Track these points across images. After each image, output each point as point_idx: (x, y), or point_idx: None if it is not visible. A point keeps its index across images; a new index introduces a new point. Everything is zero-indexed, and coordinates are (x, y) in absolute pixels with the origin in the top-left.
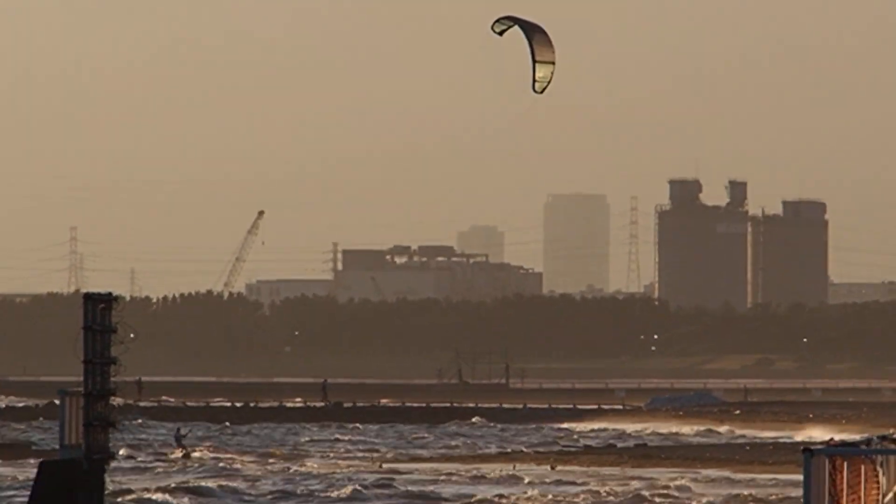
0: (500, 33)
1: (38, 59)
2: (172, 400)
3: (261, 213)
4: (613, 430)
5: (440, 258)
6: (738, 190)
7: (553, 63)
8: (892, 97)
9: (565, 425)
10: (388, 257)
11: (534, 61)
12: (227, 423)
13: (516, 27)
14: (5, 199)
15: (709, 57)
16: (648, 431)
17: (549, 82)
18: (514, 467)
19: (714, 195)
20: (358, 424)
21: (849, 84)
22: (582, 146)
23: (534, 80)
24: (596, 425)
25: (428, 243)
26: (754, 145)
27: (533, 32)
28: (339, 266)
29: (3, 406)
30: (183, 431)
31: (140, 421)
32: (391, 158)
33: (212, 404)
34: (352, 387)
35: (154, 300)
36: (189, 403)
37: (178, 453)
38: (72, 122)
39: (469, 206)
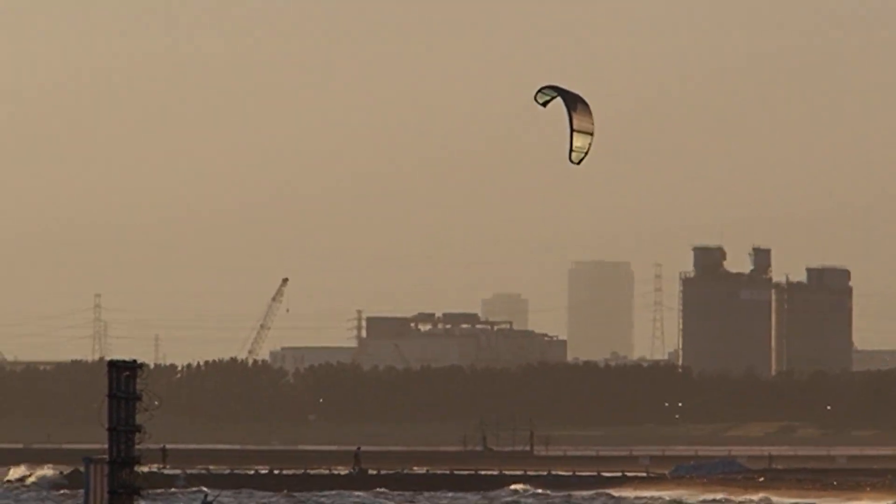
0: (544, 104)
1: (57, 124)
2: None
3: (285, 280)
4: (639, 497)
5: (464, 325)
6: (761, 257)
7: (591, 134)
8: None
9: (592, 492)
10: (412, 324)
11: (572, 130)
12: (286, 491)
13: (559, 98)
14: (30, 266)
15: (732, 123)
16: (674, 499)
17: (586, 153)
18: None
19: (738, 262)
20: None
21: (874, 151)
22: (605, 213)
23: (570, 150)
24: (621, 493)
25: (452, 310)
26: (778, 212)
27: (574, 102)
28: (364, 333)
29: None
30: (210, 498)
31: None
32: (415, 225)
33: (236, 471)
34: (376, 454)
35: (178, 367)
36: (213, 470)
37: None
38: (96, 191)
39: (493, 274)
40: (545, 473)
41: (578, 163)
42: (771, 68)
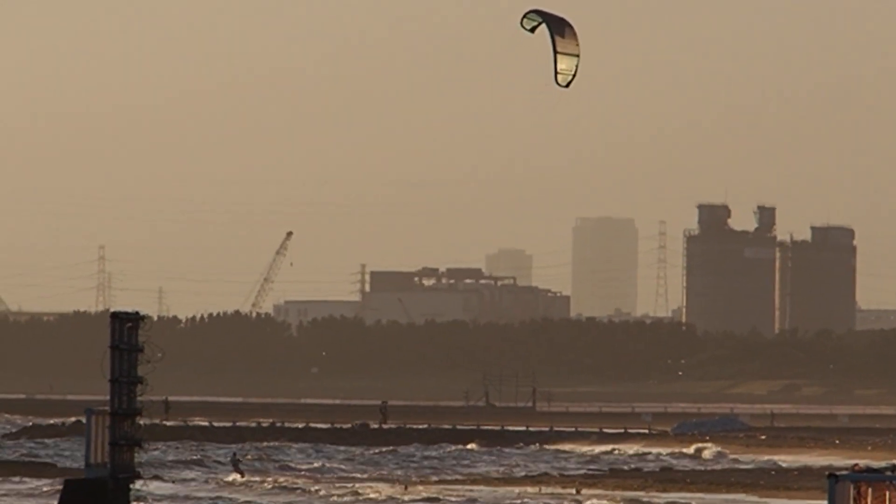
0: (532, 30)
1: (69, 81)
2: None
3: (289, 234)
4: (639, 453)
5: (468, 280)
6: (766, 215)
7: (577, 56)
8: None
9: (590, 448)
10: (416, 279)
11: (555, 52)
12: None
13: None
14: (35, 218)
15: (738, 82)
16: (675, 455)
17: (573, 75)
18: (540, 490)
19: (742, 220)
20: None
21: (878, 110)
22: (611, 170)
23: (556, 73)
24: (622, 449)
25: (456, 266)
26: (783, 170)
27: (560, 27)
28: (367, 287)
29: (31, 424)
30: (239, 456)
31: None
32: (420, 181)
33: (238, 424)
34: (377, 408)
35: (182, 320)
36: (216, 424)
37: (237, 477)
38: (103, 142)
39: (498, 229)
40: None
41: (566, 85)
42: (779, 23)
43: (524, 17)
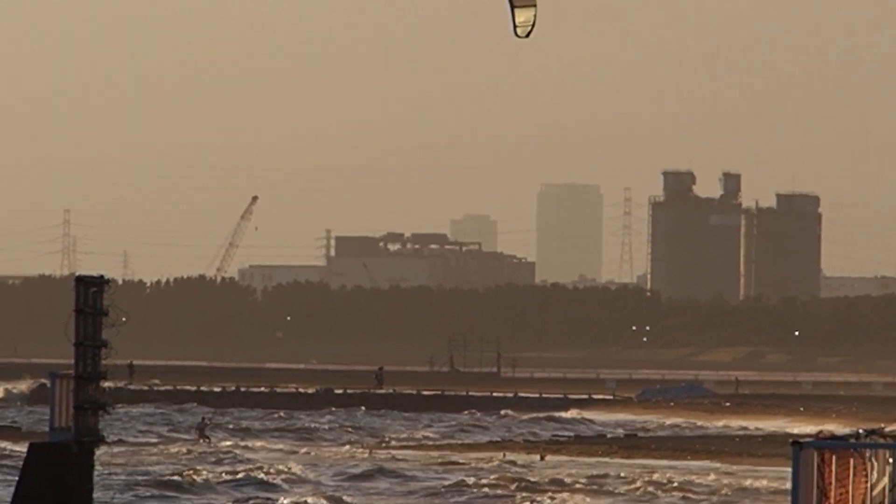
0: None
1: (35, 44)
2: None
3: (254, 198)
4: (604, 420)
5: (433, 246)
6: (731, 182)
7: (534, 6)
8: (888, 91)
9: (556, 414)
10: (381, 244)
11: (512, 6)
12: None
13: None
14: None
15: (703, 49)
16: (638, 422)
17: (532, 25)
18: (504, 455)
19: (707, 187)
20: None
21: (844, 78)
22: (576, 137)
23: (514, 25)
24: (586, 415)
25: (421, 231)
26: (748, 138)
27: None
28: (332, 252)
29: None
30: (206, 421)
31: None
32: (385, 146)
33: (202, 389)
34: (342, 373)
35: (147, 284)
36: (180, 387)
37: (201, 442)
38: (67, 105)
39: (462, 195)
40: (511, 395)
41: (526, 36)
42: None
43: None
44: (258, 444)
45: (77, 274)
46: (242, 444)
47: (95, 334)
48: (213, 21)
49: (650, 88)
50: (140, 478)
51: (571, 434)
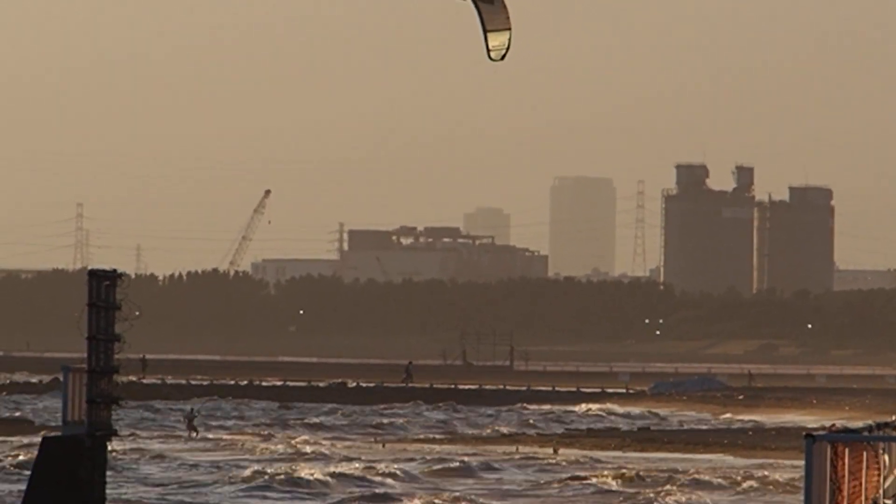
0: None
1: (48, 40)
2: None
3: (267, 192)
4: (617, 413)
5: (446, 239)
6: (744, 175)
7: (508, 29)
8: None
9: (568, 408)
10: (394, 238)
11: (484, 31)
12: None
13: None
14: (12, 175)
15: (717, 43)
16: (652, 415)
17: (507, 48)
18: (517, 449)
19: (720, 180)
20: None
21: (857, 71)
22: (589, 130)
23: (487, 49)
24: (599, 408)
25: (434, 224)
26: (761, 131)
27: (487, 1)
28: (346, 246)
29: (8, 382)
30: (195, 412)
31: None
32: (399, 139)
33: (216, 383)
34: (354, 367)
35: (160, 278)
36: (193, 381)
37: (192, 435)
38: (81, 100)
39: (476, 188)
40: (524, 388)
41: (501, 59)
42: None
43: None
44: (332, 438)
45: (90, 268)
46: (325, 439)
47: (108, 328)
48: (227, 15)
49: (663, 82)
50: (248, 472)
51: (584, 427)
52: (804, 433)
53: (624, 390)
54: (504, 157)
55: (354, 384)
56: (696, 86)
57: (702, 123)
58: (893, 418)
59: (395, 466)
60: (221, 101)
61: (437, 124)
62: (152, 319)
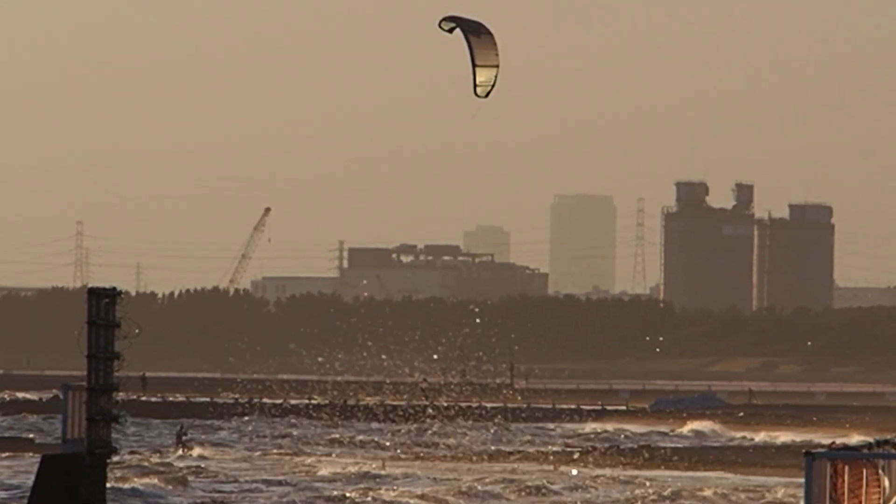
0: (450, 31)
1: (45, 58)
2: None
3: (267, 209)
4: (617, 431)
5: (446, 257)
6: (744, 193)
7: (496, 66)
8: None
9: (569, 426)
10: (394, 256)
11: (474, 66)
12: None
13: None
14: (13, 194)
15: (716, 61)
16: (652, 433)
17: (492, 86)
18: (517, 467)
19: (720, 198)
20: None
21: (858, 88)
22: (589, 147)
23: (475, 85)
24: (599, 426)
25: (434, 242)
26: (761, 148)
27: (476, 35)
28: (345, 264)
29: (7, 399)
30: (185, 429)
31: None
32: (399, 158)
33: (216, 400)
34: (353, 384)
35: (159, 296)
36: (193, 399)
37: (179, 451)
38: (80, 119)
39: (476, 206)
40: (524, 406)
41: (485, 96)
42: (757, 1)
43: (441, 21)
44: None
45: (90, 286)
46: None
47: (108, 346)
48: (228, 33)
49: (663, 99)
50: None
51: (585, 445)
52: (804, 451)
53: (625, 408)
54: (504, 175)
55: (354, 402)
56: (696, 104)
57: (701, 141)
58: (894, 436)
59: (480, 488)
60: (222, 119)
61: (438, 142)
62: (152, 337)
